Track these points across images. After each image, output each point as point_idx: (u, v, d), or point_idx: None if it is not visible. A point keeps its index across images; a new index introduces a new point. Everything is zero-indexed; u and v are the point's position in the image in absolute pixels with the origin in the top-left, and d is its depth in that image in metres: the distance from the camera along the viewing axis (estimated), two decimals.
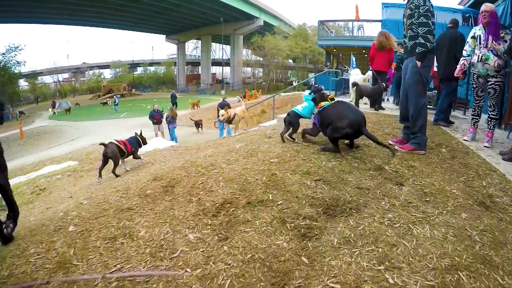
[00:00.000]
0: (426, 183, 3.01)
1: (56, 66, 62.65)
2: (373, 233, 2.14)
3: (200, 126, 17.28)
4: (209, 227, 2.32)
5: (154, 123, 14.42)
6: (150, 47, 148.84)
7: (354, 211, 2.39)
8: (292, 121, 4.31)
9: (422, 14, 3.74)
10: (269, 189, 2.77)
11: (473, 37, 4.75)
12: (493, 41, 4.44)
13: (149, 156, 6.73)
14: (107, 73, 70.26)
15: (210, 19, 49.10)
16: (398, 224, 2.25)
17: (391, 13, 16.37)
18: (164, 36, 61.15)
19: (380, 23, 19.58)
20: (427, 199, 2.69)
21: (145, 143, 6.08)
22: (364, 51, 20.93)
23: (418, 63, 3.76)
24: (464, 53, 4.93)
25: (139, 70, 70.49)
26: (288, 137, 4.25)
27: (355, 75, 9.19)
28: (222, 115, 6.43)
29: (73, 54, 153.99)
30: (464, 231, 2.30)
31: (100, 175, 5.24)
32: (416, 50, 3.75)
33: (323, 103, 3.93)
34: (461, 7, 18.89)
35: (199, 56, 61.72)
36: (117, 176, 5.19)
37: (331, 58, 25.77)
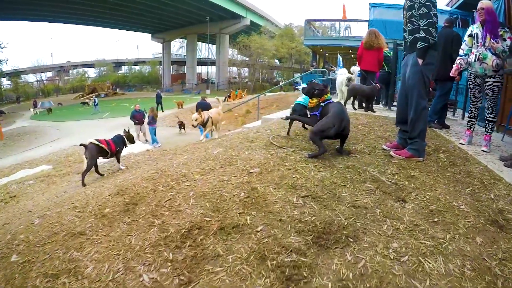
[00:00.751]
0: (431, 197, 2.60)
1: (39, 64, 61.08)
2: (376, 271, 1.70)
3: (183, 127, 16.76)
4: (169, 264, 1.84)
5: (135, 124, 13.87)
6: (135, 46, 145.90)
7: (352, 240, 1.94)
8: (301, 113, 4.34)
9: (423, 5, 3.33)
10: (248, 208, 2.30)
11: (470, 36, 4.47)
12: (491, 40, 4.17)
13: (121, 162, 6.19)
14: (92, 72, 69.10)
15: (196, 18, 48.56)
16: (406, 257, 1.82)
17: (379, 13, 16.28)
18: (150, 34, 60.29)
19: (367, 23, 19.56)
20: (435, 220, 2.27)
21: (132, 142, 5.64)
22: (351, 51, 20.79)
23: (419, 61, 3.35)
24: (460, 52, 4.63)
25: (124, 69, 69.13)
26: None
27: (342, 75, 8.88)
28: (196, 120, 5.63)
29: (57, 53, 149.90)
30: (482, 261, 1.90)
31: (83, 183, 4.72)
32: (417, 46, 3.35)
33: (326, 96, 3.74)
34: (448, 8, 19.09)
35: (184, 55, 61.12)
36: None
37: (317, 58, 25.52)
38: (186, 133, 16.42)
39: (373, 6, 17.16)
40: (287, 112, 8.20)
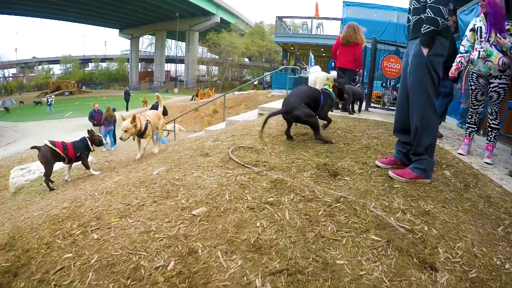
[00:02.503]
0: (464, 253, 1.72)
1: (2, 60, 57.58)
2: None
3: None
4: None
5: (94, 125, 12.56)
6: (103, 41, 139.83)
7: None
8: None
9: None
10: None
11: (472, 30, 3.84)
12: (497, 34, 3.54)
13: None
14: (57, 69, 66.18)
15: (165, 14, 47.08)
16: None
17: (353, 12, 16.10)
18: (118, 30, 58.09)
19: (340, 22, 19.09)
20: None
21: (99, 144, 4.50)
22: (322, 49, 20.19)
23: (424, 50, 2.47)
24: (461, 48, 3.96)
25: (91, 66, 66.72)
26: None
27: (315, 72, 8.09)
28: (126, 130, 4.06)
29: (22, 48, 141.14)
30: None
31: (49, 187, 3.93)
32: (422, 30, 2.46)
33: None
34: None
35: (153, 52, 59.06)
36: (51, 189, 3.87)
37: (288, 55, 24.77)
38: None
39: (346, 4, 16.92)
40: (255, 113, 7.27)
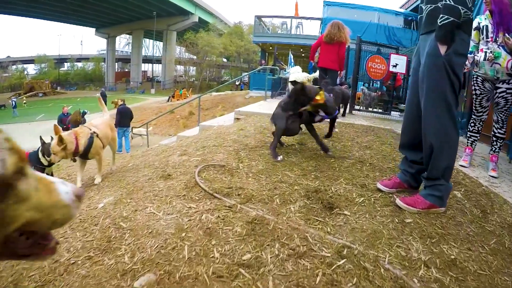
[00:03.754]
0: None
1: None
2: None
3: None
4: None
5: (64, 129, 11.31)
6: (79, 41, 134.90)
7: None
8: None
9: None
10: None
11: (477, 29, 3.40)
12: (506, 34, 3.13)
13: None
14: (32, 69, 62.76)
15: (143, 12, 45.54)
16: None
17: (333, 12, 16.02)
18: (94, 29, 55.72)
19: (320, 22, 18.76)
20: None
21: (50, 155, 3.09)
22: (302, 49, 19.80)
23: (442, 48, 1.92)
24: None
25: (66, 66, 63.62)
26: None
27: (295, 73, 7.63)
28: (56, 153, 2.78)
29: None
30: None
31: None
32: (438, 22, 1.92)
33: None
34: (403, 10, 19.14)
35: (131, 52, 57.23)
36: None
37: (267, 56, 24.26)
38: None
39: (327, 4, 16.75)
40: (231, 117, 6.64)
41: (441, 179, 2.07)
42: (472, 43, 3.41)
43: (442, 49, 1.92)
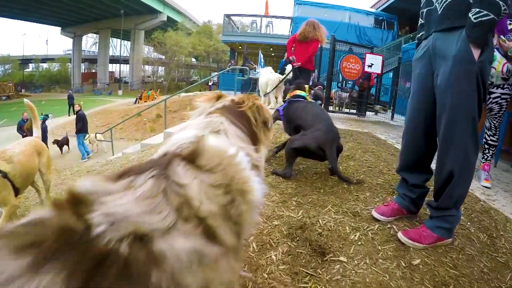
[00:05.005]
0: None
1: None
2: None
3: (62, 146, 12.19)
4: None
5: (24, 137, 10.62)
6: (45, 40, 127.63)
7: None
8: None
9: None
10: None
11: None
12: (500, 36, 2.95)
13: None
14: None
15: (110, 11, 43.65)
16: None
17: (303, 11, 15.93)
18: (60, 28, 52.77)
19: (290, 21, 18.55)
20: None
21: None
22: (272, 49, 19.49)
23: (476, 52, 1.52)
24: None
25: (31, 67, 60.39)
26: None
27: (267, 74, 7.28)
28: None
29: None
30: None
31: None
32: (472, 18, 1.49)
33: (298, 92, 3.05)
34: (374, 10, 19.33)
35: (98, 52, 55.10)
36: None
37: (236, 55, 23.78)
38: (69, 153, 12.22)
39: (298, 3, 16.61)
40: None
41: (453, 208, 1.71)
42: None
43: (476, 54, 1.52)
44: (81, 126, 10.65)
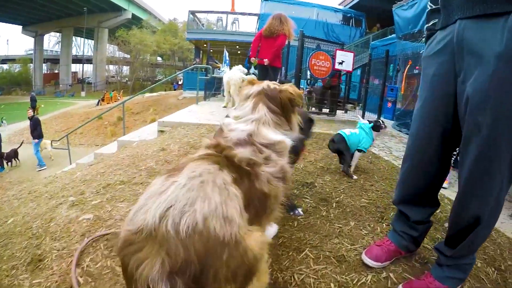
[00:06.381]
0: None
1: None
2: None
3: (10, 160, 10.83)
4: None
5: None
6: (5, 40, 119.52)
7: None
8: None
9: None
10: None
11: None
12: None
13: None
14: None
15: (73, 8, 41.58)
16: None
17: (270, 8, 15.46)
18: (21, 27, 49.86)
19: (257, 18, 18.14)
20: None
21: None
22: (238, 46, 19.00)
23: None
24: None
25: None
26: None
27: (230, 72, 6.80)
28: None
29: None
30: None
31: None
32: None
33: None
34: (341, 7, 19.31)
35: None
36: None
37: (201, 53, 23.06)
38: (16, 168, 10.78)
39: (265, 0, 16.10)
40: (155, 128, 5.45)
41: (469, 255, 1.29)
42: None
43: None
44: (39, 132, 10.11)
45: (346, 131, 2.79)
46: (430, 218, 1.56)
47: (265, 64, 5.13)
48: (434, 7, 1.38)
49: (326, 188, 2.37)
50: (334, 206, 2.08)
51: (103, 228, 1.73)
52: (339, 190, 2.37)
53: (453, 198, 2.38)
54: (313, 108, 7.43)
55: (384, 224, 1.92)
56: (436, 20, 1.37)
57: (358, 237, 1.74)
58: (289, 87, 1.27)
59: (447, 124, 1.31)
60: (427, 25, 1.43)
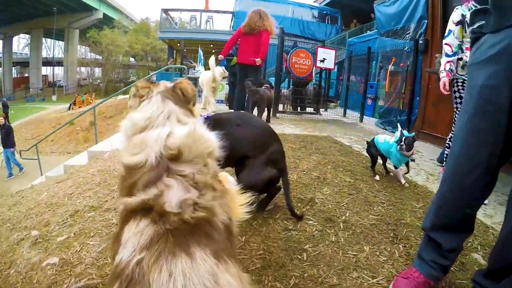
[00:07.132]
0: None
1: None
2: None
3: None
4: None
5: None
6: None
7: None
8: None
9: None
10: None
11: (460, 23, 2.74)
12: None
13: None
14: None
15: (43, 8, 39.89)
16: None
17: (245, 5, 15.12)
18: None
19: (231, 15, 17.85)
20: None
21: None
22: (212, 45, 18.61)
23: None
24: (447, 49, 2.80)
25: None
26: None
27: (218, 71, 6.47)
28: None
29: None
30: None
31: None
32: None
33: None
34: (317, 4, 19.32)
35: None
36: None
37: (175, 53, 22.51)
38: None
39: None
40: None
41: None
42: (456, 41, 2.72)
43: None
44: (12, 140, 9.72)
45: (380, 138, 2.86)
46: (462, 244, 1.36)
47: (257, 64, 4.86)
48: (479, 7, 1.18)
49: (328, 205, 2.13)
50: (342, 227, 1.85)
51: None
52: (343, 205, 2.14)
53: (481, 217, 2.21)
54: (298, 108, 7.27)
55: (400, 246, 1.71)
56: (483, 22, 1.17)
57: (377, 265, 1.51)
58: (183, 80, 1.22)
59: (496, 145, 1.11)
60: (471, 28, 1.21)
